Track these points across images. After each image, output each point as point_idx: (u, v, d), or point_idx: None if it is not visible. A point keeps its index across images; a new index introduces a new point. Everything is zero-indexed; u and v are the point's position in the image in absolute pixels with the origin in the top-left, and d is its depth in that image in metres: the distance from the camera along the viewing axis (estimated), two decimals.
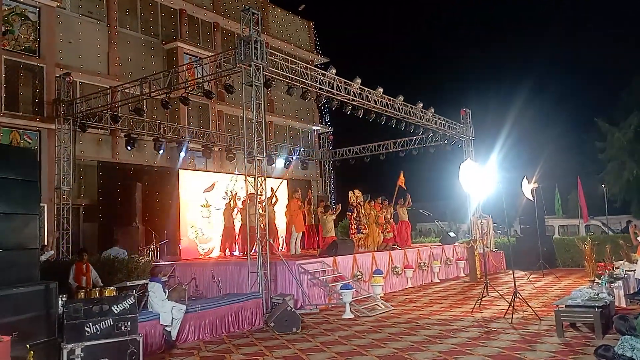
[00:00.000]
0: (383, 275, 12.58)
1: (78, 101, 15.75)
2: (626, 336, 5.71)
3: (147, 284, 8.38)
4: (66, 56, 17.21)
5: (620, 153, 27.34)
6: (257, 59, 11.13)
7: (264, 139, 11.14)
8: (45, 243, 14.65)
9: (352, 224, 15.30)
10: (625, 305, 9.36)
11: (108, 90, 15.86)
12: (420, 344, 7.60)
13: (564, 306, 7.79)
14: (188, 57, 20.09)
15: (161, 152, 17.22)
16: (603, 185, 26.21)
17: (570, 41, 44.31)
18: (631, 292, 9.39)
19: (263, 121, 11.24)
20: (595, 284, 8.75)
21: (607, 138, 28.29)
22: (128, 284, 9.22)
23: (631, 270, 10.17)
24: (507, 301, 9.48)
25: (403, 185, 17.00)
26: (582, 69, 47.34)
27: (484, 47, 56.44)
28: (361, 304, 10.79)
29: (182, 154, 18.06)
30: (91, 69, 17.83)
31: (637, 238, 9.23)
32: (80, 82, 17.48)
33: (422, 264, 15.17)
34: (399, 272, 14.10)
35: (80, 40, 17.75)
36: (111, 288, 7.80)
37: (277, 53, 12.69)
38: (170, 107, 14.54)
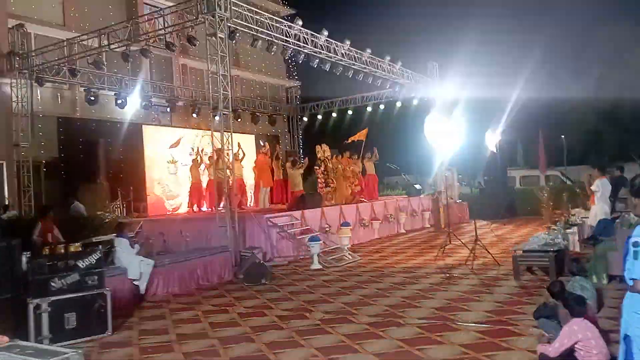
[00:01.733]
0: (350, 227, 12.77)
1: (33, 54, 15.03)
2: (577, 277, 6.06)
3: (113, 239, 8.33)
4: (19, 6, 16.22)
5: (581, 105, 28.00)
6: (220, 10, 10.80)
7: (229, 93, 10.96)
8: (7, 203, 14.28)
9: (320, 178, 15.40)
10: (579, 250, 9.83)
11: (65, 43, 15.16)
12: (385, 290, 7.87)
13: (521, 251, 8.15)
14: (148, 7, 19.24)
15: (124, 107, 16.73)
16: (563, 137, 26.94)
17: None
18: (585, 237, 9.84)
19: (228, 75, 11.02)
20: (551, 230, 9.12)
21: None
22: (94, 240, 9.15)
23: (586, 217, 10.63)
24: (468, 249, 9.83)
25: (363, 138, 17.05)
26: (550, 20, 47.48)
27: (450, 3, 55.88)
28: (329, 255, 11.02)
29: (146, 109, 17.58)
30: (46, 19, 16.91)
31: (591, 187, 9.59)
32: (35, 33, 16.58)
33: (388, 216, 15.48)
34: (366, 224, 14.37)
35: None
36: (77, 244, 7.70)
37: (241, 4, 12.29)
38: (131, 60, 14.02)
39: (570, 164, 25.96)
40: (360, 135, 17.02)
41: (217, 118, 11.04)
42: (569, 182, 19.84)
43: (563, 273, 7.60)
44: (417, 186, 18.75)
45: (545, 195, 12.69)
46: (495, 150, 16.56)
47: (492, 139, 16.37)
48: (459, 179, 20.74)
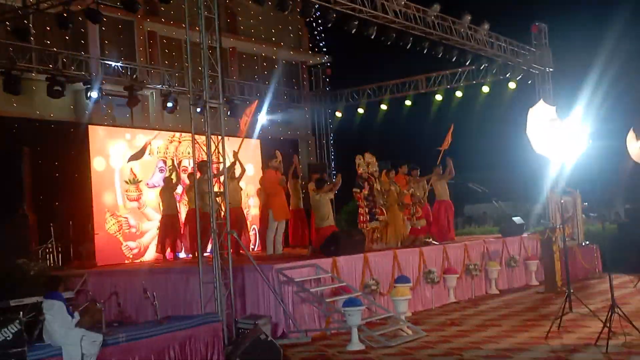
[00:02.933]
0: (410, 285, 12.70)
1: None
2: None
3: (41, 302, 8.43)
4: None
5: None
6: None
7: (220, 74, 11.10)
8: None
9: (362, 207, 15.38)
10: None
11: None
12: None
13: None
14: None
15: (60, 98, 17.11)
16: None
17: None
18: None
19: (218, 46, 11.17)
20: None
21: None
22: (12, 303, 9.28)
23: None
24: (601, 320, 9.61)
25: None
26: None
27: None
28: (376, 328, 10.93)
29: (93, 99, 17.95)
30: None
31: None
32: None
33: (471, 267, 15.32)
34: (436, 281, 14.24)
35: None
36: None
37: None
38: (71, 26, 14.41)
39: None
40: (447, 142, 16.99)
41: (201, 113, 11.17)
42: None
43: None
44: (518, 219, 18.55)
45: None
46: None
47: (637, 145, 16.10)
48: (585, 207, 20.41)
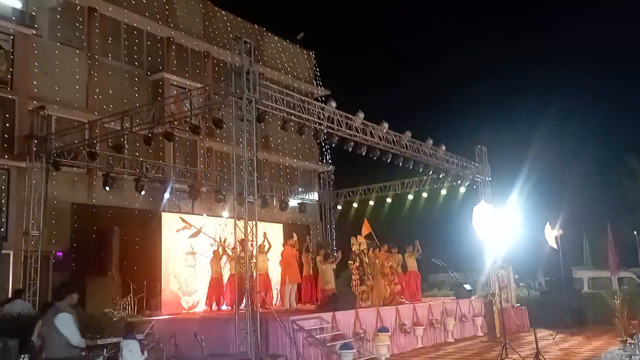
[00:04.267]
0: (389, 333, 12.44)
1: (53, 137, 15.84)
2: None
3: (120, 342, 8.25)
4: (41, 87, 17.51)
5: None
6: (249, 91, 11.34)
7: (255, 178, 11.23)
8: (20, 287, 14.51)
9: (354, 275, 15.19)
10: None
11: (86, 125, 16.05)
12: None
13: None
14: (175, 88, 20.39)
15: (143, 193, 17.26)
16: (635, 232, 26.09)
17: (596, 70, 44.95)
18: None
19: (255, 159, 11.35)
20: (627, 344, 8.58)
21: (638, 176, 28.37)
22: (99, 342, 9.08)
23: None
24: None
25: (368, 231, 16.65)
26: (611, 101, 47.79)
27: (499, 77, 57.21)
28: None
29: (166, 195, 18.11)
30: (68, 101, 18.08)
31: None
32: (55, 115, 17.59)
33: (434, 321, 14.97)
34: (408, 330, 13.89)
35: (57, 70, 18.07)
36: None
37: (272, 85, 12.91)
38: (153, 143, 14.67)
39: None
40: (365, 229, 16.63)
41: (241, 205, 11.23)
42: None
43: None
44: (467, 286, 18.23)
45: (618, 301, 12.09)
46: (556, 247, 16.10)
47: (552, 233, 15.98)
48: (516, 278, 20.10)
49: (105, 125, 15.24)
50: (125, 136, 15.22)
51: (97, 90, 18.97)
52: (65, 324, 6.68)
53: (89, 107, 18.52)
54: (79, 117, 17.79)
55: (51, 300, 12.03)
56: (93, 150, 15.52)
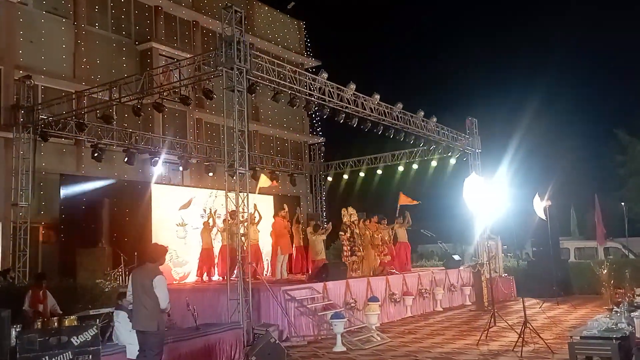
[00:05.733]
0: (379, 303, 12.57)
1: (39, 107, 15.67)
2: None
3: (112, 312, 8.30)
4: (27, 57, 17.18)
5: None
6: (239, 62, 11.20)
7: (246, 149, 11.17)
8: (9, 267, 14.51)
9: (345, 246, 15.29)
10: None
11: (73, 95, 15.84)
12: None
13: (578, 338, 7.80)
14: (164, 59, 20.12)
15: (132, 164, 17.15)
16: (623, 204, 26.42)
17: (588, 44, 44.90)
18: None
19: (246, 130, 11.28)
20: (613, 312, 8.75)
21: (628, 151, 28.57)
22: (91, 312, 9.13)
23: None
24: (516, 332, 9.51)
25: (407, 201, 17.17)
26: (600, 75, 47.89)
27: (491, 50, 57.00)
28: (354, 335, 10.75)
29: (156, 167, 18.00)
30: (55, 71, 17.78)
31: None
32: (42, 85, 17.36)
33: (423, 291, 15.17)
34: (397, 300, 14.08)
35: (43, 39, 17.71)
36: (72, 317, 7.71)
37: (262, 55, 12.77)
38: (142, 114, 14.52)
39: (632, 235, 25.27)
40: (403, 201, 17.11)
41: (232, 176, 11.20)
42: (632, 256, 19.29)
43: None
44: (456, 257, 18.45)
45: (605, 271, 12.30)
46: (544, 218, 16.27)
47: (541, 205, 16.12)
48: (504, 249, 20.33)
49: (93, 95, 15.07)
50: (114, 107, 15.06)
51: (84, 60, 18.65)
52: (162, 287, 6.97)
53: (76, 77, 18.24)
54: (66, 87, 17.56)
55: (41, 272, 12.06)
56: (81, 121, 15.39)
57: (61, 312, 9.23)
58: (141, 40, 20.41)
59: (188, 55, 17.96)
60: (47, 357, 6.11)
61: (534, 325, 9.91)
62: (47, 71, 17.47)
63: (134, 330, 7.84)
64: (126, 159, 16.59)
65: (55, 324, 7.35)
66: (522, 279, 17.73)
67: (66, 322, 7.35)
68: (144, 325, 6.85)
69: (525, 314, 9.64)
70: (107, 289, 11.65)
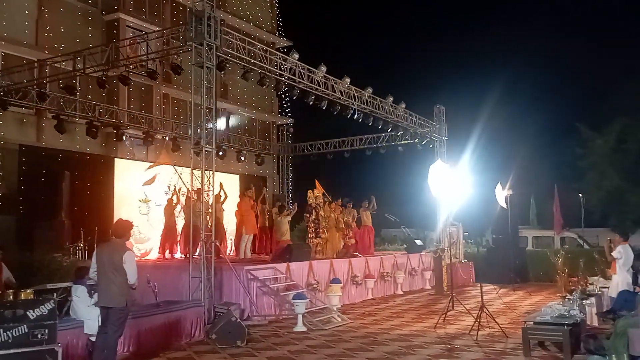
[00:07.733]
0: (341, 284, 12.69)
1: None
2: (595, 356, 5.98)
3: (70, 287, 8.17)
4: None
5: (601, 161, 28.28)
6: (209, 37, 10.99)
7: (214, 127, 11.05)
8: None
9: (309, 227, 15.34)
10: (597, 324, 9.75)
11: (35, 64, 15.35)
12: None
13: (532, 323, 8.05)
14: (131, 31, 19.63)
15: (96, 137, 16.77)
16: (580, 195, 27.18)
17: (552, 36, 45.54)
18: (604, 310, 9.77)
19: (214, 107, 11.13)
20: (566, 300, 9.06)
21: (588, 144, 29.27)
22: (48, 286, 8.96)
23: (605, 287, 10.60)
24: (473, 316, 9.73)
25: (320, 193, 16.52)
26: (564, 68, 48.77)
27: (459, 39, 57.41)
28: (315, 315, 10.84)
29: (120, 141, 17.65)
30: (17, 38, 17.21)
31: (612, 253, 9.59)
32: (2, 52, 16.87)
33: (384, 274, 15.37)
34: (359, 282, 14.23)
35: (4, 3, 17.08)
36: (28, 291, 7.55)
37: (233, 32, 12.58)
38: (107, 86, 14.20)
39: (588, 226, 26.10)
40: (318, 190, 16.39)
41: (198, 154, 11.06)
42: (586, 246, 19.91)
43: (579, 350, 7.50)
44: (418, 242, 18.71)
45: (560, 259, 12.69)
46: (505, 206, 16.62)
47: (502, 194, 16.46)
48: (465, 235, 20.72)
49: (56, 65, 14.61)
50: (78, 78, 14.65)
51: (48, 27, 18.07)
52: (132, 262, 7.03)
53: (39, 45, 17.68)
54: (27, 55, 17.03)
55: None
56: (43, 90, 14.97)
57: (14, 281, 9.01)
58: (108, 11, 19.87)
59: (156, 29, 17.55)
60: (1, 330, 5.97)
61: (490, 310, 10.15)
62: (8, 37, 16.91)
63: (93, 306, 7.76)
64: (88, 132, 16.21)
65: (11, 297, 7.19)
66: (482, 265, 18.07)
67: (22, 295, 7.20)
68: (114, 301, 6.86)
69: (482, 299, 9.88)
70: (65, 263, 11.42)
